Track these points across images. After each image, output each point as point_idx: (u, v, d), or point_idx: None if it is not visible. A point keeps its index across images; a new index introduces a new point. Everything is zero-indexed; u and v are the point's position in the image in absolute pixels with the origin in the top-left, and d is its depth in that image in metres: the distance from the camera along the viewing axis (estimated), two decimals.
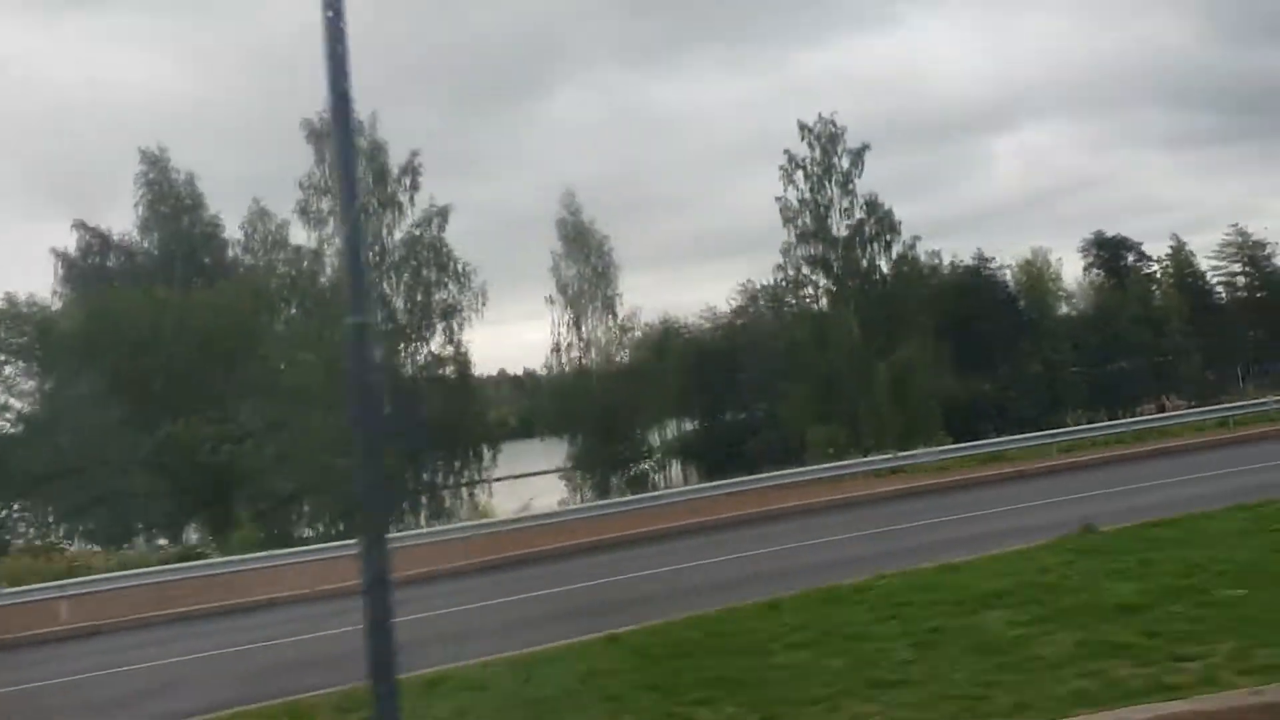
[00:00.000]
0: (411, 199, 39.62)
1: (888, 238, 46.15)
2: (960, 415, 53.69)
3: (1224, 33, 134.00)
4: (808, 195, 45.51)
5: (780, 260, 45.78)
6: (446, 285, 39.23)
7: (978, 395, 61.20)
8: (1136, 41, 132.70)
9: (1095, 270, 73.12)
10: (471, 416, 38.92)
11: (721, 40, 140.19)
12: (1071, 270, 74.58)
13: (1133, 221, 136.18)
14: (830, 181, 45.50)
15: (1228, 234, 70.96)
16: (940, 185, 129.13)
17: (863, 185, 46.73)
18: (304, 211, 38.96)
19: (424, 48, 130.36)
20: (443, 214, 39.79)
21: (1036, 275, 70.31)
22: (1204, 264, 71.12)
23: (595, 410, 41.01)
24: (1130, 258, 73.36)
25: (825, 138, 45.75)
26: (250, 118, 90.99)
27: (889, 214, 46.07)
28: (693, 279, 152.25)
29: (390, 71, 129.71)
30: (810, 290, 45.89)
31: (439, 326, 39.33)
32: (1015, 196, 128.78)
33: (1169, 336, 65.23)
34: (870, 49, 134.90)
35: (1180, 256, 71.08)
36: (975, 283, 67.08)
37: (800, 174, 45.44)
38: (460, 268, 39.46)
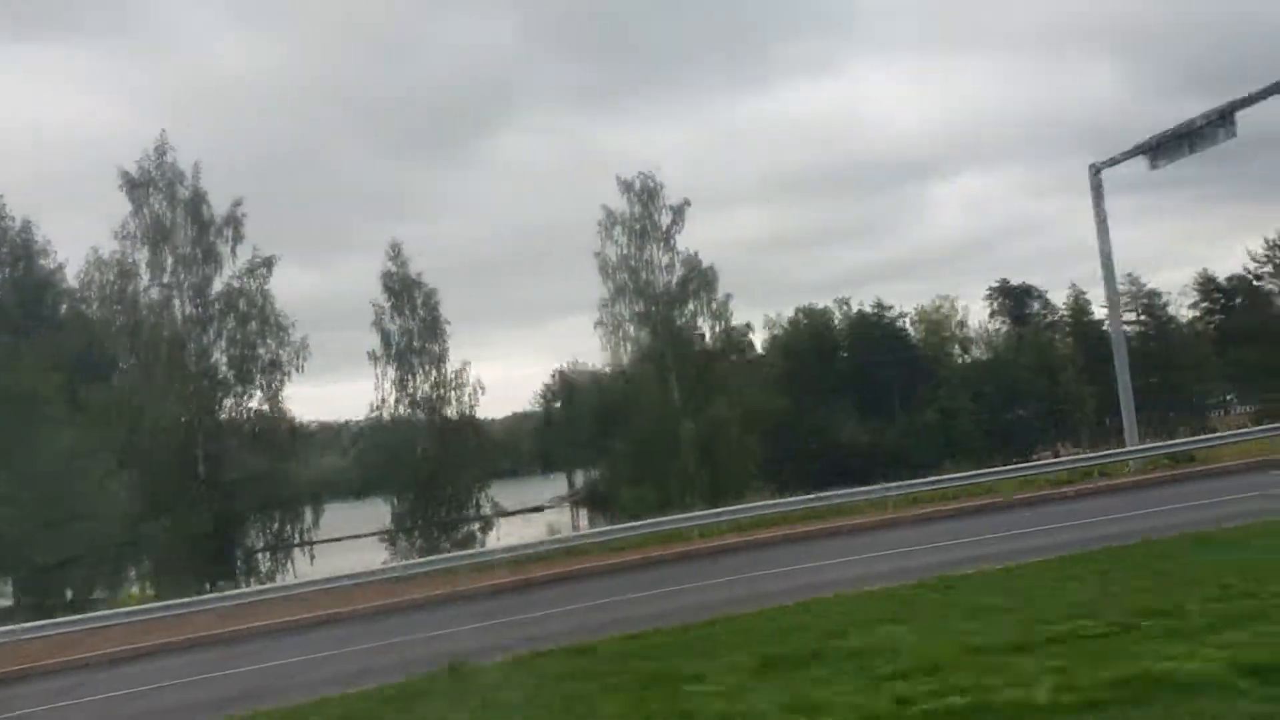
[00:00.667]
0: (234, 250, 37.74)
1: (706, 296, 44.31)
2: (860, 461, 55.03)
3: (1150, 84, 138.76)
4: (627, 251, 43.86)
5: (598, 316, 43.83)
6: (266, 340, 37.29)
7: (876, 443, 61.71)
8: (1069, 92, 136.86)
9: (1000, 318, 73.79)
10: (286, 476, 36.53)
11: (666, 85, 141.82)
12: (982, 318, 75.04)
13: (1076, 266, 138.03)
14: (651, 238, 43.92)
15: (1121, 284, 71.41)
16: (883, 230, 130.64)
17: (696, 240, 45.58)
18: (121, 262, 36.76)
19: (372, 93, 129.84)
20: (267, 264, 37.85)
21: (936, 323, 70.05)
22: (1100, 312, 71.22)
23: (416, 469, 38.94)
24: (1035, 305, 74.01)
25: (645, 193, 44.43)
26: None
27: (707, 271, 44.48)
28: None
29: (338, 115, 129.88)
30: (626, 348, 43.90)
31: (262, 381, 37.24)
32: (956, 241, 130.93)
33: (1064, 384, 65.22)
34: (808, 97, 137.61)
35: (1078, 305, 71.26)
36: (874, 331, 67.43)
37: (618, 229, 43.78)
38: (278, 320, 37.41)
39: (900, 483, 25.07)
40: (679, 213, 44.25)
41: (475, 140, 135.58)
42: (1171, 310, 72.35)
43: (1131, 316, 68.75)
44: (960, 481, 25.20)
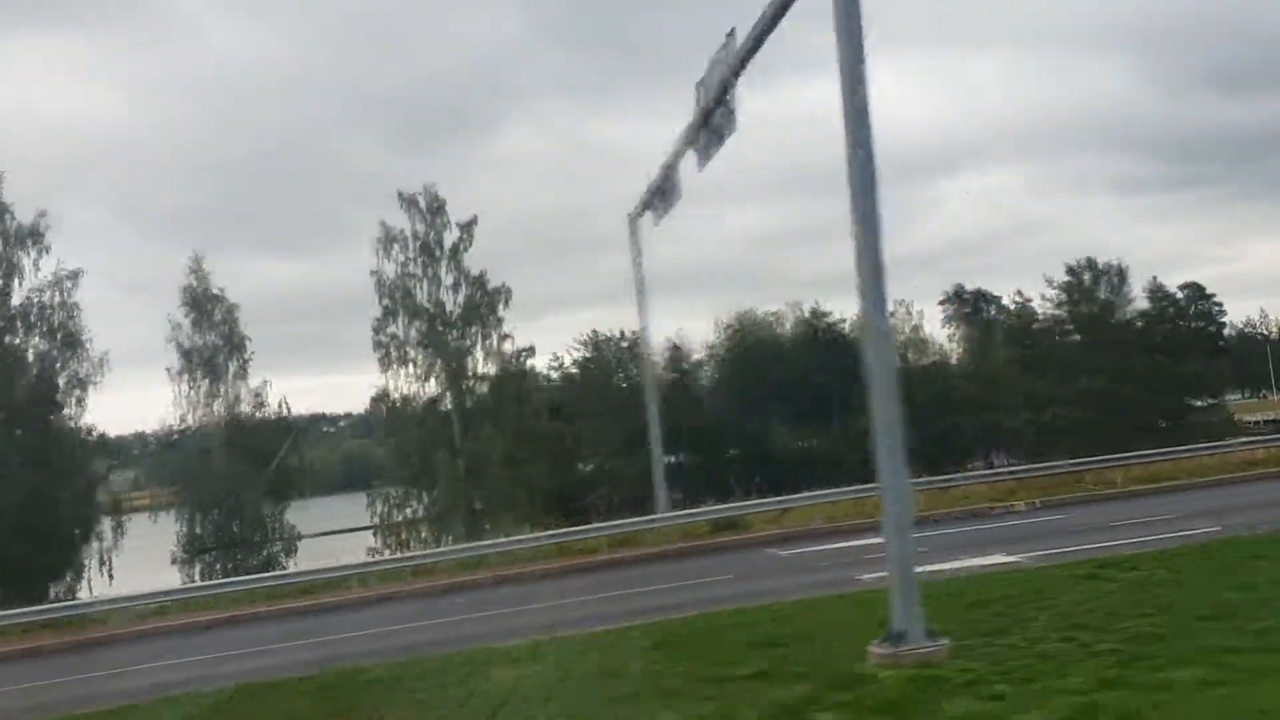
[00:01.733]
0: (36, 263, 37.05)
1: (492, 317, 42.37)
2: (791, 470, 54.16)
3: (1164, 83, 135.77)
4: (409, 270, 42.05)
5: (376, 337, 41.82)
6: (66, 353, 37.09)
7: (808, 450, 60.91)
8: (1080, 90, 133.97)
9: (954, 324, 71.31)
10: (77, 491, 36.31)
11: (664, 80, 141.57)
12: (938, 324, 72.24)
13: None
14: (436, 256, 42.12)
15: (1058, 289, 68.20)
16: (894, 226, 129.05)
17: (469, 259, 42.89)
18: None
19: (374, 85, 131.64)
20: (73, 277, 37.46)
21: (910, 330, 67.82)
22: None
23: (211, 486, 38.99)
24: (992, 311, 71.30)
25: (428, 208, 42.23)
26: None
27: (497, 292, 42.44)
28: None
29: (340, 108, 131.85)
30: (402, 371, 41.93)
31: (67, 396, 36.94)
32: (967, 238, 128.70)
33: (1003, 393, 62.69)
34: (815, 93, 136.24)
35: (1024, 312, 68.46)
36: (815, 337, 66.09)
37: (397, 247, 41.91)
38: (76, 334, 37.19)
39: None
40: (467, 229, 42.36)
41: (479, 133, 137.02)
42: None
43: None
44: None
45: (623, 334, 63.74)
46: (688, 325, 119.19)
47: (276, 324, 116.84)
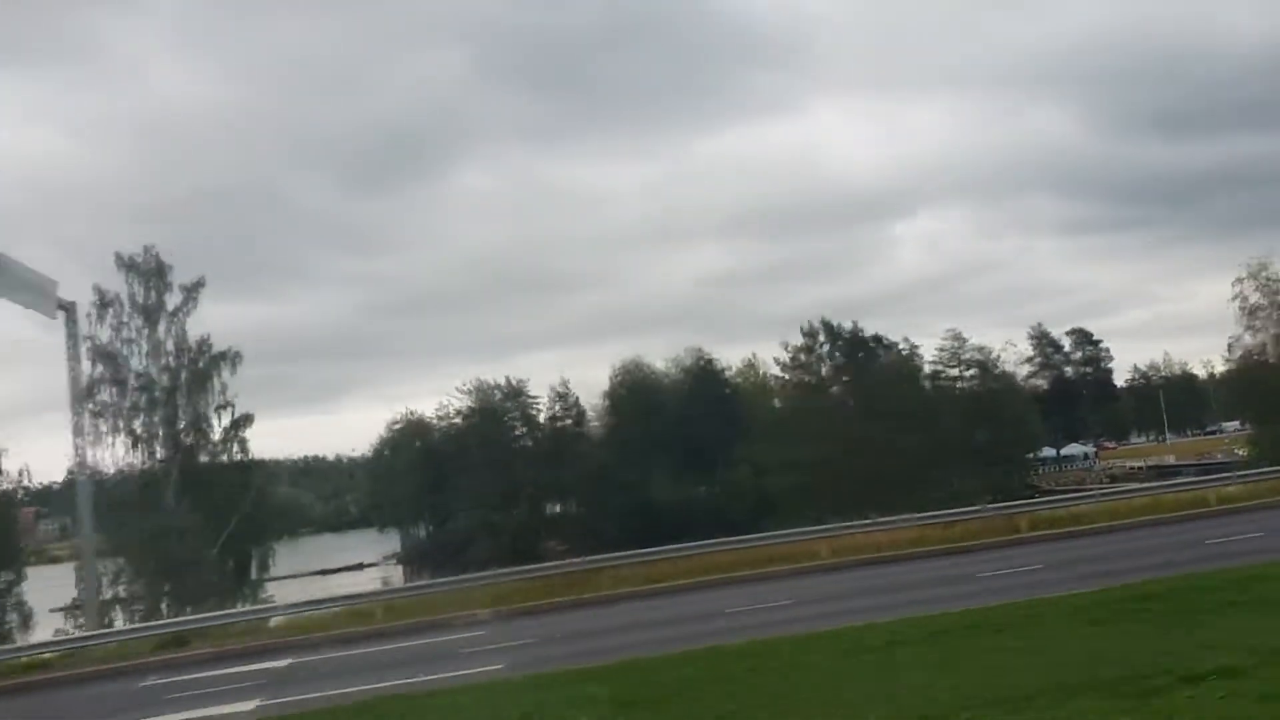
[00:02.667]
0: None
1: (217, 383, 40.30)
2: (675, 520, 52.72)
3: (1107, 126, 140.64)
4: (126, 335, 39.63)
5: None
6: None
7: (691, 499, 60.19)
8: (1025, 133, 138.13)
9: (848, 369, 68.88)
10: None
11: (622, 121, 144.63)
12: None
13: (1032, 305, 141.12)
14: (155, 320, 39.90)
15: (944, 338, 69.46)
16: (843, 266, 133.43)
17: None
18: None
19: (327, 126, 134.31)
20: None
21: (756, 378, 69.11)
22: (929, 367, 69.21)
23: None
24: (881, 355, 69.79)
25: (148, 271, 39.99)
26: None
27: (222, 357, 40.62)
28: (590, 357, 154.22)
29: (293, 149, 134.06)
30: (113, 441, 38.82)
31: None
32: (918, 279, 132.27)
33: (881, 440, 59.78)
34: (764, 135, 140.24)
35: (908, 357, 68.57)
36: (698, 386, 66.09)
37: (111, 311, 39.27)
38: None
39: None
40: (192, 292, 40.30)
41: (432, 174, 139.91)
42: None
43: (955, 372, 66.76)
44: None
45: (509, 381, 64.56)
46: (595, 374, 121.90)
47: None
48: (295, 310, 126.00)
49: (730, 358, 71.91)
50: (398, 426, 71.23)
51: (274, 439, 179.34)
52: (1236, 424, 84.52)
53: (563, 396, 66.42)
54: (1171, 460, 79.45)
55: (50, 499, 52.08)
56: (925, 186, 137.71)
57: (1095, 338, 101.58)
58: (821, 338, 64.97)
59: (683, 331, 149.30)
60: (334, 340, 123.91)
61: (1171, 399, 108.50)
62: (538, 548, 55.56)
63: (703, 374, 68.03)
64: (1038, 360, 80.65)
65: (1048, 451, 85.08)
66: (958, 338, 68.54)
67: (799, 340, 65.16)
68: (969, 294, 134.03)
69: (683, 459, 63.36)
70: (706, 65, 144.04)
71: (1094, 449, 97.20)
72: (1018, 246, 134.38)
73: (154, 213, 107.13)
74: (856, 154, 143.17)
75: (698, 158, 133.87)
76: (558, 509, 68.07)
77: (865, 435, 54.53)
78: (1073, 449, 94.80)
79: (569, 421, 67.20)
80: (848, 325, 65.89)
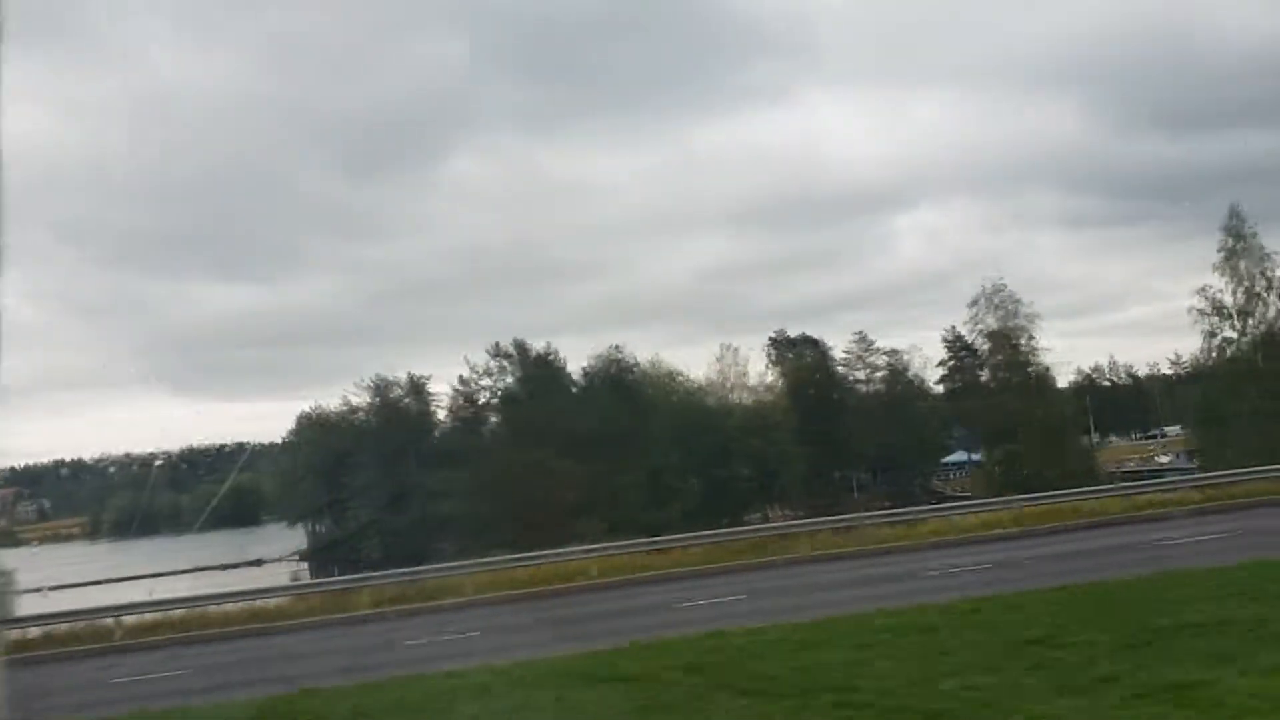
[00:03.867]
0: None
1: None
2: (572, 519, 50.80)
3: (1109, 122, 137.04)
4: None
5: None
6: None
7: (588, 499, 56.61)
8: (1028, 129, 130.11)
9: (775, 369, 70.29)
10: None
11: (618, 111, 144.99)
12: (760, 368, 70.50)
13: (1038, 301, 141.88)
14: None
15: (851, 341, 70.01)
16: (845, 260, 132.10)
17: None
18: None
19: (324, 111, 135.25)
20: None
21: (666, 376, 66.53)
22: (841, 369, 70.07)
23: None
24: (808, 356, 71.81)
25: None
26: None
27: None
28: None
29: (290, 133, 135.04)
30: None
31: None
32: (916, 272, 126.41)
33: (777, 445, 61.90)
34: (765, 125, 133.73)
35: (811, 361, 69.58)
36: (605, 384, 64.52)
37: None
38: None
39: None
40: None
41: (429, 161, 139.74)
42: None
43: (863, 375, 68.25)
44: None
45: (410, 378, 63.40)
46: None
47: (228, 349, 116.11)
48: (288, 295, 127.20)
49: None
50: (305, 420, 71.35)
51: (271, 421, 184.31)
52: (1178, 429, 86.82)
53: (465, 383, 65.40)
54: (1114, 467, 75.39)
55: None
56: (927, 180, 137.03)
57: (1015, 341, 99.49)
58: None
59: (683, 324, 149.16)
60: (324, 326, 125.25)
61: (1122, 402, 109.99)
62: (426, 549, 53.33)
63: (605, 371, 67.04)
64: (951, 364, 78.39)
65: (958, 456, 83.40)
66: (863, 339, 69.57)
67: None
68: (966, 290, 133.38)
69: (585, 459, 58.91)
70: (706, 55, 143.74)
71: None
72: (1019, 241, 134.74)
73: (150, 194, 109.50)
74: (857, 146, 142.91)
75: (697, 148, 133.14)
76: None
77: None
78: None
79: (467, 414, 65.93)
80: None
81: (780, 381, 68.63)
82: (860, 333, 69.80)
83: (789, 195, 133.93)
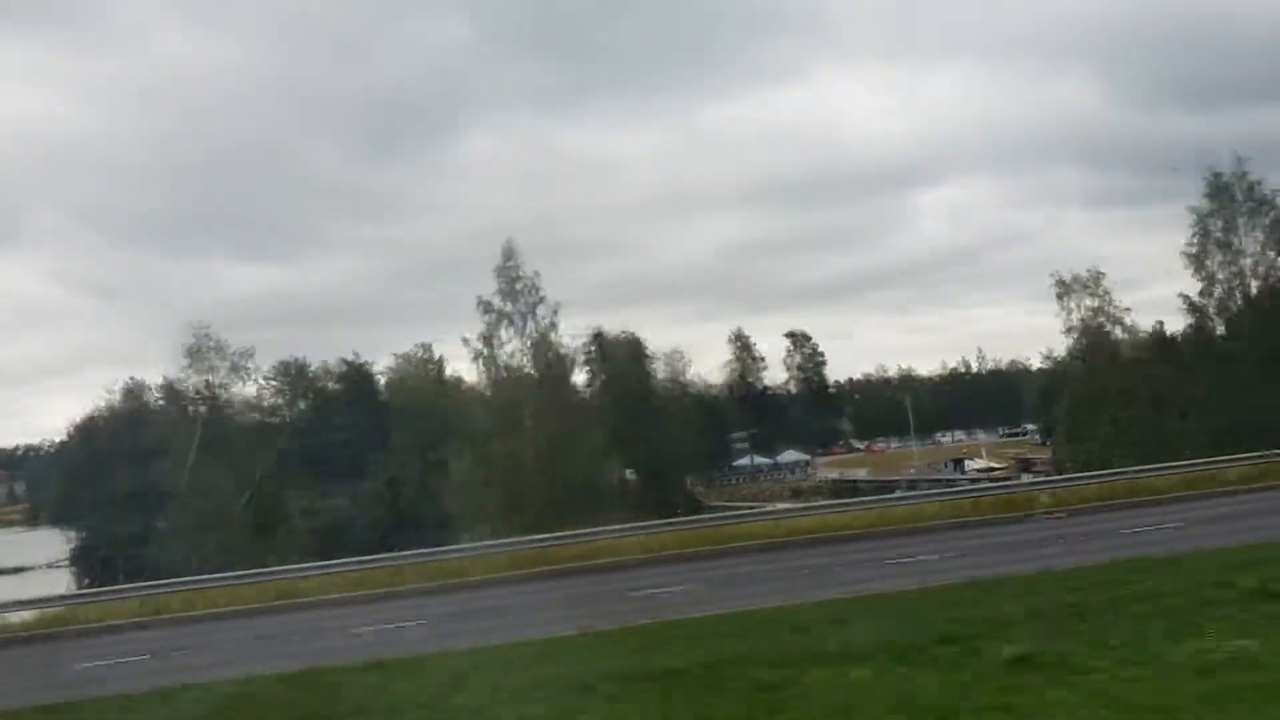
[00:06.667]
0: None
1: None
2: (324, 535, 47.41)
3: (1132, 98, 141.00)
4: None
5: None
6: None
7: (336, 511, 52.94)
8: (1050, 104, 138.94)
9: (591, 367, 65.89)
10: None
11: (631, 89, 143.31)
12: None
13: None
14: None
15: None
16: (864, 237, 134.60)
17: None
18: None
19: (343, 92, 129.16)
20: None
21: (415, 378, 61.31)
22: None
23: None
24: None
25: None
26: None
27: None
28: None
29: (302, 112, 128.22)
30: None
31: None
32: (938, 249, 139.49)
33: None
34: (779, 103, 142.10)
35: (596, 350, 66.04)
36: (340, 389, 59.30)
37: None
38: None
39: None
40: None
41: (438, 139, 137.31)
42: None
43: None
44: None
45: (166, 380, 55.56)
46: None
47: (244, 330, 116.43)
48: (305, 274, 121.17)
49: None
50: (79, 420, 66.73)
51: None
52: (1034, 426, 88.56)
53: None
54: (912, 472, 79.08)
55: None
56: (947, 156, 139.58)
57: (811, 339, 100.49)
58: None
59: (706, 301, 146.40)
60: (343, 305, 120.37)
61: (988, 395, 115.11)
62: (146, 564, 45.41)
63: (343, 375, 62.60)
64: (734, 365, 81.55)
65: (742, 460, 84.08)
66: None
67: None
68: (999, 265, 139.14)
69: (321, 472, 56.32)
70: (720, 31, 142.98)
71: (811, 457, 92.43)
72: (1045, 217, 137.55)
73: (169, 177, 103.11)
74: (875, 122, 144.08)
75: (712, 125, 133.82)
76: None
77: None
78: (790, 455, 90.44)
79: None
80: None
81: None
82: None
83: (806, 172, 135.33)
